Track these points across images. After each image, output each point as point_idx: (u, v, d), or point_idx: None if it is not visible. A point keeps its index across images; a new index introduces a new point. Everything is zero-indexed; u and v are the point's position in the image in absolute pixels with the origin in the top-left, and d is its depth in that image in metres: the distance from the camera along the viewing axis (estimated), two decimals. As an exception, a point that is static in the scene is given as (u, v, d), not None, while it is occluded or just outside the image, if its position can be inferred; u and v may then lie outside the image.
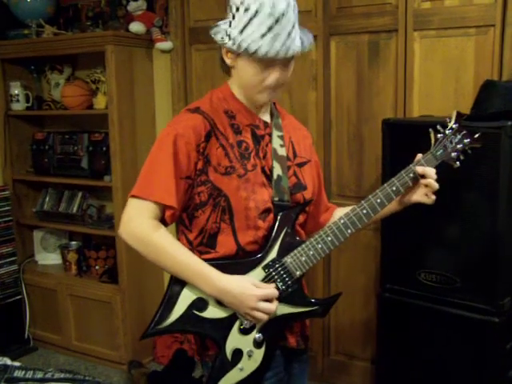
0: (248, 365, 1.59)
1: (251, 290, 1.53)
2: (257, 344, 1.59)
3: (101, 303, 3.62)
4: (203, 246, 1.61)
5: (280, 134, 1.68)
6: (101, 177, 3.57)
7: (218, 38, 1.55)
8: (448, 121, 1.73)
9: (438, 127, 1.70)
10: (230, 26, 1.52)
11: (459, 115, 1.73)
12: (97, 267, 3.74)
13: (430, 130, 1.71)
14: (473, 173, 2.17)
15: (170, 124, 1.61)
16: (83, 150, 3.64)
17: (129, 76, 3.44)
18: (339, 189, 3.12)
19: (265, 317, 1.54)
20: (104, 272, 3.69)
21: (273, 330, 1.60)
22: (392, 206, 1.73)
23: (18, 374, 2.35)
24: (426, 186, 1.65)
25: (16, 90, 3.81)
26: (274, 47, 1.47)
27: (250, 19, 1.46)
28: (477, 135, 1.71)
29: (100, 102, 3.52)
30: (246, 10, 1.47)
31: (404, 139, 2.36)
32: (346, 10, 2.96)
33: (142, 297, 3.64)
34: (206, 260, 1.56)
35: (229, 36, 1.51)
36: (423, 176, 1.65)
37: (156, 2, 3.54)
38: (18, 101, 3.82)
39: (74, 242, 3.97)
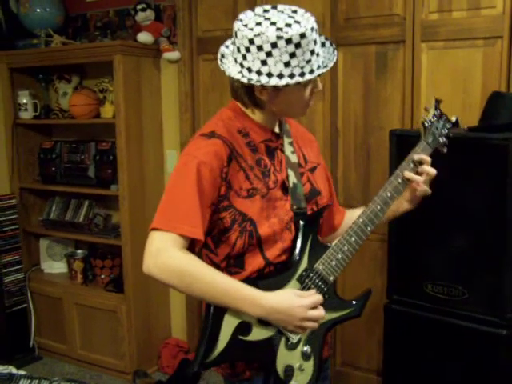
0: (301, 379, 1.56)
1: (298, 301, 1.47)
2: (306, 357, 1.57)
3: (106, 312, 3.62)
4: (231, 266, 1.56)
5: (290, 140, 1.67)
6: (107, 186, 3.58)
7: (251, 78, 1.45)
8: (428, 108, 1.80)
9: (423, 116, 1.78)
10: (263, 64, 1.42)
11: (437, 101, 1.80)
12: (102, 276, 3.73)
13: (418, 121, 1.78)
14: (481, 184, 2.17)
15: (188, 152, 1.51)
16: (90, 159, 3.66)
17: (136, 86, 3.46)
18: (346, 199, 3.11)
19: (315, 325, 1.51)
20: (110, 281, 3.69)
21: (318, 340, 1.59)
22: (403, 204, 1.78)
23: (24, 382, 2.35)
24: (424, 173, 1.70)
25: (24, 98, 3.83)
26: (317, 65, 1.46)
27: (294, 51, 1.40)
28: (454, 118, 1.81)
29: (107, 112, 3.53)
30: (289, 42, 1.38)
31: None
32: (354, 20, 2.97)
33: (148, 306, 3.64)
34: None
35: (267, 74, 1.43)
36: (421, 163, 1.70)
37: (164, 13, 3.57)
38: (26, 109, 3.84)
39: (80, 251, 3.97)
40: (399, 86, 2.88)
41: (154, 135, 3.62)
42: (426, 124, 1.76)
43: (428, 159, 1.71)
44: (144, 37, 3.44)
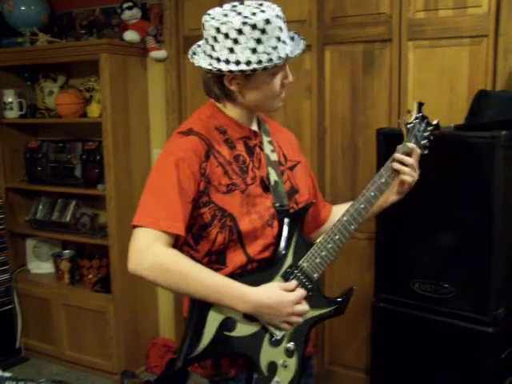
0: (284, 376, 1.58)
1: (285, 296, 1.51)
2: (289, 353, 1.59)
3: (94, 313, 3.59)
4: (213, 263, 1.56)
5: (269, 139, 1.69)
6: (94, 185, 3.56)
7: (220, 68, 1.47)
8: (411, 111, 1.84)
9: (405, 119, 1.82)
10: (231, 51, 1.45)
11: (420, 104, 1.85)
12: (90, 276, 3.71)
13: (399, 121, 1.83)
14: (467, 182, 2.17)
15: (166, 149, 1.54)
16: (77, 159, 3.63)
17: (123, 85, 3.44)
18: (333, 198, 3.11)
19: (301, 319, 1.55)
20: (97, 281, 3.67)
21: (302, 337, 1.61)
22: (390, 197, 1.80)
23: (9, 384, 2.33)
24: (407, 165, 1.72)
25: (10, 97, 3.79)
26: (285, 53, 1.48)
27: (260, 37, 1.43)
28: (436, 121, 1.85)
29: (94, 111, 3.51)
30: (254, 28, 1.42)
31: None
32: (341, 19, 2.97)
33: (135, 306, 3.62)
34: None
35: (235, 62, 1.45)
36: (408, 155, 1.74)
37: (150, 11, 3.55)
38: (11, 109, 3.80)
39: (66, 251, 3.94)
40: (386, 84, 2.88)
41: (140, 134, 3.60)
42: (408, 126, 1.80)
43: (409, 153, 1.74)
44: (130, 35, 3.43)
